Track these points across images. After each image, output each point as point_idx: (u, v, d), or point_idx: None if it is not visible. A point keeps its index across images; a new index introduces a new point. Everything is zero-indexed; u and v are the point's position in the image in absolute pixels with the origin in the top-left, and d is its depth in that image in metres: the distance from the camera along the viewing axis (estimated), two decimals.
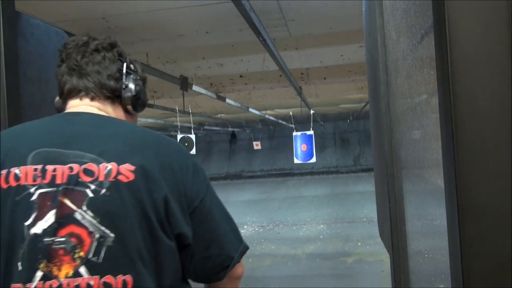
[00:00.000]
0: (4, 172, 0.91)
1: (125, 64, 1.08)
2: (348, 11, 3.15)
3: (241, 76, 5.79)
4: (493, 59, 0.54)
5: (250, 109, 9.25)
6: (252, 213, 10.80)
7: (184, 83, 5.07)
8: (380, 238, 1.68)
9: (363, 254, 6.60)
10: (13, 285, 0.86)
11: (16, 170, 0.90)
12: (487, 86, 0.54)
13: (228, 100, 7.24)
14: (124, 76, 1.07)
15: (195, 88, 5.42)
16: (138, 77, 1.12)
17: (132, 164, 0.90)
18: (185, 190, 0.94)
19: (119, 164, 0.90)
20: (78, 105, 1.04)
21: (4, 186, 0.90)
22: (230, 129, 16.48)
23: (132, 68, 1.11)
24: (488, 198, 0.54)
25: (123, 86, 1.06)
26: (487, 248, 0.54)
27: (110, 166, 0.90)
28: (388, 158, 1.22)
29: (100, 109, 1.04)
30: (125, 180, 0.89)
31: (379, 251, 6.20)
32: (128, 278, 0.87)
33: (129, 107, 1.08)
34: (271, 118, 12.05)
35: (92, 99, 1.04)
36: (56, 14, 2.84)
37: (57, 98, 1.10)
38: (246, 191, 14.84)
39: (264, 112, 11.16)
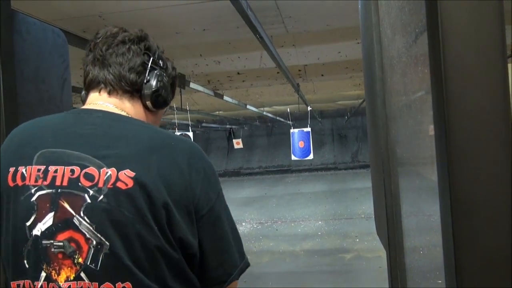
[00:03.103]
0: (12, 170, 0.91)
1: (151, 59, 1.03)
2: (345, 7, 3.15)
3: (238, 73, 5.79)
4: (485, 57, 0.54)
5: (248, 106, 9.25)
6: (251, 210, 10.82)
7: (182, 81, 5.07)
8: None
9: (361, 250, 6.63)
10: (24, 281, 0.88)
11: (23, 170, 0.90)
12: (479, 84, 0.55)
13: (225, 97, 7.24)
14: (147, 71, 1.02)
15: (192, 85, 5.42)
16: (165, 75, 1.07)
17: (133, 170, 0.86)
18: (194, 196, 0.91)
19: (118, 170, 0.87)
20: (95, 100, 1.01)
21: (11, 184, 0.90)
22: (228, 126, 16.48)
23: (161, 65, 1.07)
24: (481, 195, 0.55)
25: (145, 81, 1.02)
26: (480, 245, 0.55)
27: (110, 172, 0.86)
28: (384, 155, 1.23)
29: (117, 106, 1.00)
30: (123, 187, 0.86)
31: (377, 247, 6.22)
32: (128, 285, 0.86)
33: (148, 103, 1.03)
34: (269, 115, 12.05)
35: (110, 93, 1.00)
36: (53, 12, 2.83)
37: (83, 92, 1.07)
38: (244, 188, 14.86)
39: (262, 109, 11.16)
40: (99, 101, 1.01)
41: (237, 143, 13.16)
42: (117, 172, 0.87)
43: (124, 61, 1.00)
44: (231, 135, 18.65)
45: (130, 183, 0.86)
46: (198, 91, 5.88)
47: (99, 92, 1.01)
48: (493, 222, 0.54)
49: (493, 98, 0.55)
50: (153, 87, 1.02)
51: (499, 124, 0.54)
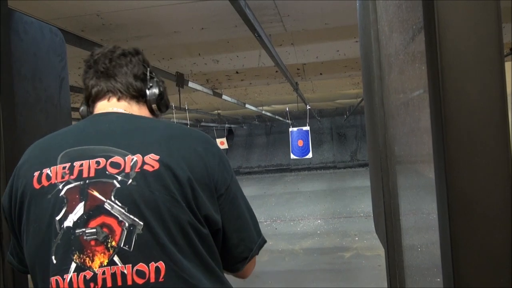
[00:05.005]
0: (36, 173, 0.96)
1: (148, 69, 1.16)
2: (344, 6, 3.15)
3: (237, 72, 5.78)
4: (482, 55, 0.54)
5: (247, 105, 9.24)
6: None
7: (180, 80, 5.06)
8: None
9: (361, 249, 6.63)
10: (52, 278, 0.90)
11: (47, 171, 0.95)
12: (477, 82, 0.55)
13: (224, 96, 7.23)
14: (148, 79, 1.15)
15: (191, 84, 5.41)
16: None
17: (156, 154, 0.94)
18: (213, 175, 0.98)
19: (143, 155, 0.93)
20: (105, 107, 1.09)
21: (37, 186, 0.95)
22: (227, 125, 16.47)
23: (154, 75, 1.19)
24: (478, 193, 0.55)
25: (148, 87, 1.14)
26: (477, 243, 0.55)
27: (136, 158, 0.93)
28: (382, 153, 1.23)
29: (126, 109, 1.09)
30: (150, 169, 0.92)
31: (376, 245, 6.23)
32: (161, 264, 0.89)
33: (154, 106, 1.14)
34: (268, 114, 12.04)
35: (119, 99, 1.10)
36: (50, 11, 2.83)
37: (82, 107, 1.16)
38: (243, 187, 14.52)
39: (260, 108, 11.15)
40: (109, 107, 1.09)
41: (221, 143, 12.60)
42: (143, 157, 0.93)
43: (129, 70, 1.11)
44: (230, 134, 18.62)
45: (156, 165, 0.92)
46: (196, 90, 5.87)
47: (108, 99, 1.10)
48: (490, 220, 0.54)
49: (490, 96, 0.55)
50: (157, 92, 1.14)
51: (496, 121, 0.54)
